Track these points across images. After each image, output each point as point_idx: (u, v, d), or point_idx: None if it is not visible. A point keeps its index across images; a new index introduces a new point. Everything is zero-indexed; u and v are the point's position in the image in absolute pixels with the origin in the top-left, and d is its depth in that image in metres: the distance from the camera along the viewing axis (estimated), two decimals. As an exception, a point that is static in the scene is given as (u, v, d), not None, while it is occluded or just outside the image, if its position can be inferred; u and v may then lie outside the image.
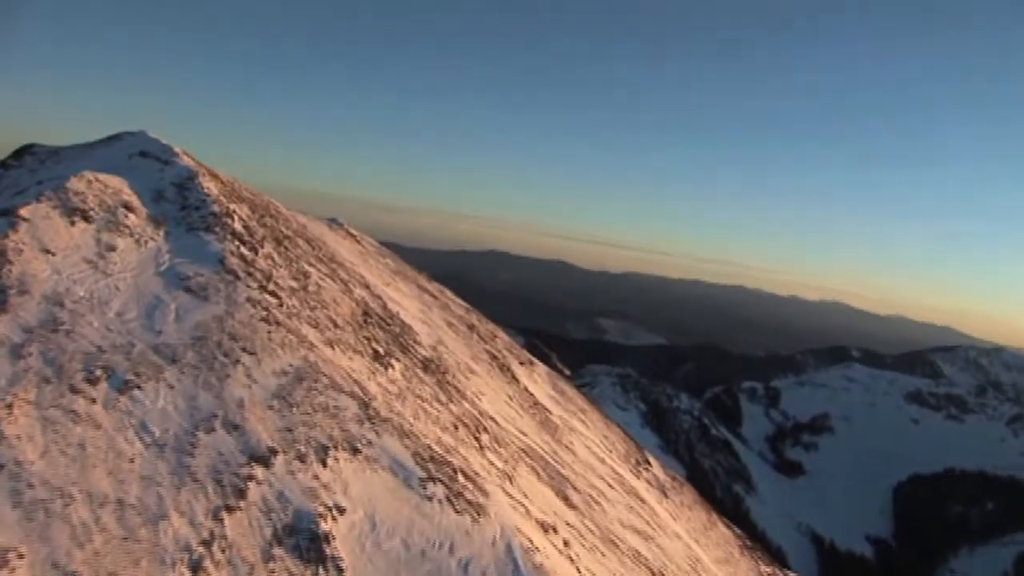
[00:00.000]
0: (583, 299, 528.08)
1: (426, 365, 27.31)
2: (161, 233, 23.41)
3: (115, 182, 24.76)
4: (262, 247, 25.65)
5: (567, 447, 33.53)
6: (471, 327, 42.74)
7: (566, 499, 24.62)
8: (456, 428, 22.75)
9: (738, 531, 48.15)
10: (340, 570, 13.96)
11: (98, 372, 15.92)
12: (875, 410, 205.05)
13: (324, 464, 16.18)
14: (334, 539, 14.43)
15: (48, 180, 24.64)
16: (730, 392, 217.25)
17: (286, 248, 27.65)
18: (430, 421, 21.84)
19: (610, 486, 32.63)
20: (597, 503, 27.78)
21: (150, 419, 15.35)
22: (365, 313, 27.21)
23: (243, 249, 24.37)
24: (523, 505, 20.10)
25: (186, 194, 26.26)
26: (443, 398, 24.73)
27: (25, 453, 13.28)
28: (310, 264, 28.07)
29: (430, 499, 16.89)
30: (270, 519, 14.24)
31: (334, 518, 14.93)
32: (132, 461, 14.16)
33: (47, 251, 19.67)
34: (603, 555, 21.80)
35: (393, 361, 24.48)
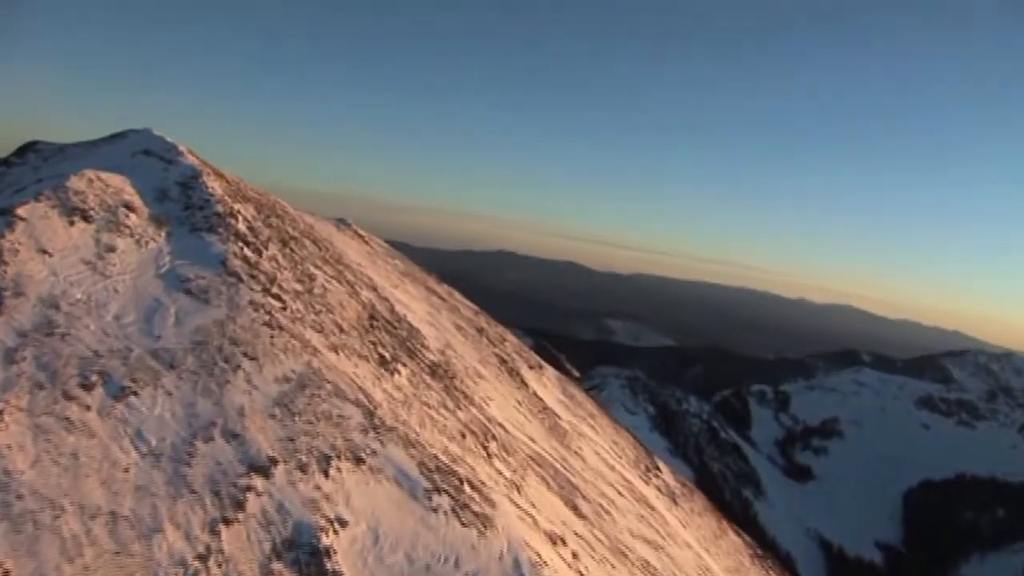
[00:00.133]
0: (591, 300, 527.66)
1: (433, 370, 26.78)
2: (163, 234, 22.91)
3: (117, 181, 24.29)
4: (266, 248, 25.14)
5: (576, 453, 33.00)
6: (480, 330, 42.24)
7: (575, 508, 24.11)
8: (463, 436, 22.21)
9: (748, 539, 47.61)
10: (341, 586, 13.48)
11: (94, 378, 15.42)
12: (885, 415, 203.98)
13: (326, 475, 15.62)
14: (335, 553, 13.90)
15: (49, 178, 24.18)
16: (739, 395, 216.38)
17: (292, 249, 27.15)
18: (436, 429, 21.30)
19: (620, 494, 32.11)
20: (607, 512, 27.26)
21: (146, 427, 14.84)
22: (372, 317, 26.70)
23: (247, 251, 23.86)
24: (531, 516, 19.57)
25: (189, 193, 25.79)
26: (450, 405, 24.20)
27: (15, 463, 12.80)
28: (316, 266, 27.55)
29: (435, 511, 16.33)
30: (269, 532, 13.71)
31: (335, 531, 14.37)
32: (127, 471, 13.65)
33: (44, 252, 19.19)
34: (612, 567, 21.29)
35: (399, 366, 23.94)
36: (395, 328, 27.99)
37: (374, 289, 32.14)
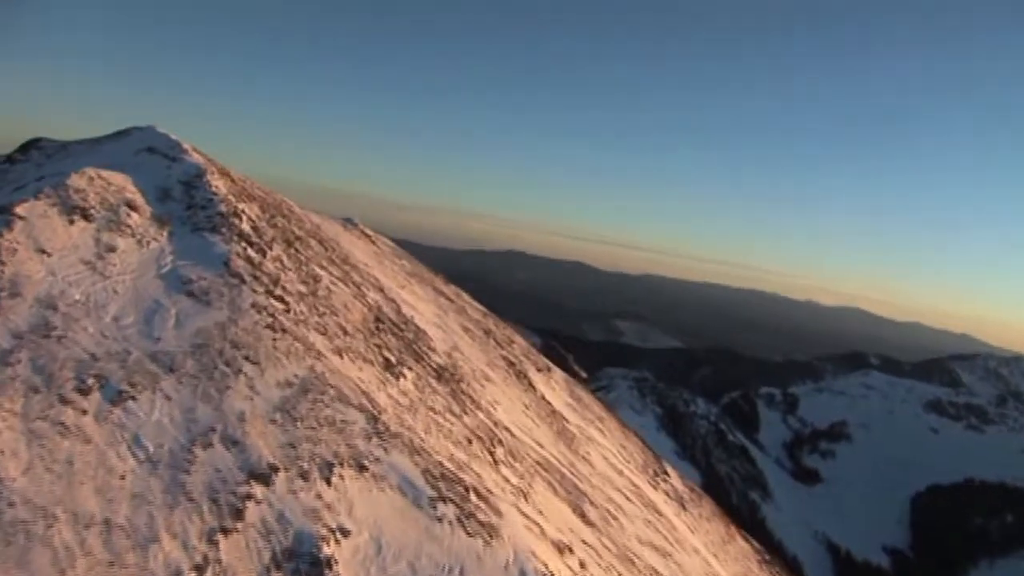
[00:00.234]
0: (600, 300, 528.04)
1: (440, 374, 26.37)
2: (165, 233, 22.48)
3: (118, 179, 23.88)
4: (271, 249, 24.73)
5: (584, 458, 32.64)
6: (488, 332, 41.89)
7: (583, 515, 23.71)
8: (470, 442, 21.79)
9: (757, 545, 47.27)
10: (342, 598, 13.09)
11: (90, 381, 14.98)
12: (894, 418, 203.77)
13: (328, 483, 15.18)
14: (336, 564, 13.47)
15: (50, 176, 23.81)
16: (747, 397, 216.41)
17: (297, 250, 26.75)
18: (442, 435, 20.88)
19: (628, 499, 31.74)
20: (615, 518, 26.87)
21: (144, 433, 14.41)
22: (377, 319, 26.29)
23: (250, 251, 23.43)
24: (538, 525, 19.14)
25: (193, 192, 25.38)
26: (457, 409, 23.79)
27: (7, 469, 12.39)
28: (322, 267, 27.17)
29: (440, 520, 15.90)
30: (269, 542, 13.28)
31: (337, 541, 13.94)
32: (123, 478, 13.24)
33: (43, 251, 18.76)
34: (620, 575, 20.90)
35: (405, 370, 23.52)
36: (401, 330, 27.61)
37: (381, 290, 31.79)
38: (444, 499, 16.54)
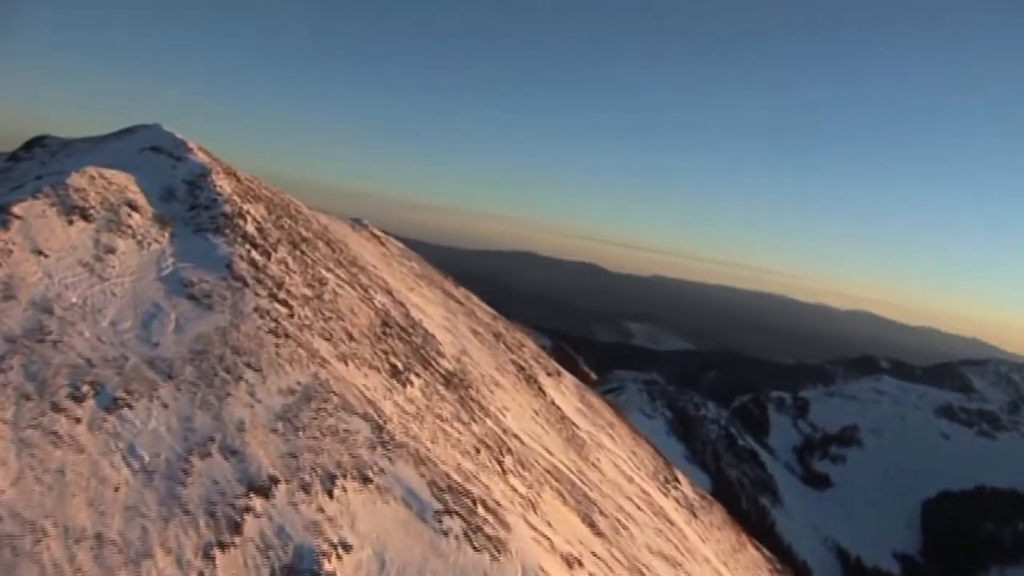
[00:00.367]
0: (610, 301, 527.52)
1: (448, 380, 25.84)
2: (166, 234, 21.98)
3: (120, 178, 23.41)
4: (276, 251, 24.22)
5: (594, 465, 32.12)
6: (497, 335, 41.39)
7: (592, 525, 23.14)
8: (478, 451, 21.22)
9: (768, 553, 46.69)
10: (343, 617, 12.58)
11: (85, 388, 14.45)
12: (905, 424, 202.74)
13: (330, 495, 14.64)
14: (338, 581, 13.00)
15: (49, 175, 23.34)
16: (758, 401, 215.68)
17: (303, 252, 26.25)
18: (449, 444, 20.30)
19: (638, 508, 31.21)
20: (625, 528, 26.33)
21: (140, 442, 13.88)
22: (385, 323, 25.77)
23: (254, 253, 22.92)
24: (547, 538, 18.59)
25: (197, 193, 24.90)
26: (465, 417, 23.23)
27: (-5, 480, 11.93)
28: (328, 269, 26.66)
29: (446, 534, 15.35)
30: (268, 557, 12.76)
31: (339, 556, 13.39)
32: (116, 490, 12.71)
33: (39, 252, 18.26)
34: (630, 588, 20.44)
35: (412, 376, 22.96)
36: (409, 335, 27.09)
37: (389, 293, 31.33)
38: (450, 512, 16.00)
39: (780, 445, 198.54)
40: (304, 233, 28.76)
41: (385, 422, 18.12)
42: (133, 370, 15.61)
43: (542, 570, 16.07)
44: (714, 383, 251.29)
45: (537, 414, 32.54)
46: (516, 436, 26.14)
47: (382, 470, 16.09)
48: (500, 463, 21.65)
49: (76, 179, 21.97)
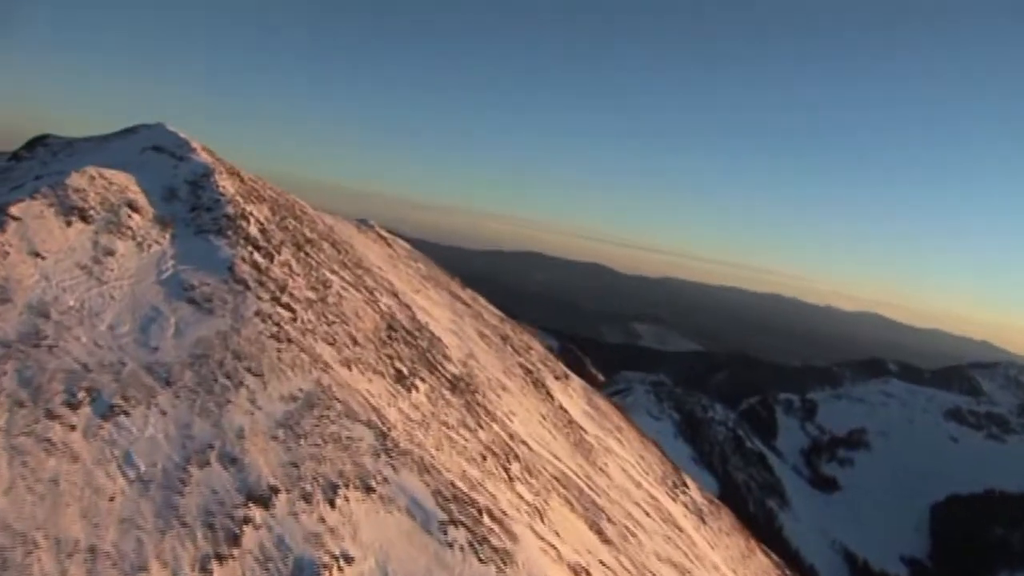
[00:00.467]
0: (618, 302, 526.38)
1: (454, 384, 25.39)
2: (167, 236, 21.60)
3: (121, 179, 23.02)
4: (279, 253, 23.80)
5: (602, 470, 31.69)
6: (505, 338, 40.96)
7: (600, 533, 22.73)
8: (484, 458, 20.79)
9: (776, 559, 46.22)
10: (343, 632, 12.21)
11: (80, 395, 14.10)
12: (913, 427, 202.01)
13: (332, 505, 14.27)
14: (338, 594, 12.64)
15: (49, 175, 22.97)
16: (765, 403, 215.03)
17: (307, 254, 25.83)
18: (455, 452, 19.87)
19: (647, 514, 30.78)
20: (633, 535, 25.91)
21: (136, 450, 13.52)
22: (390, 327, 25.33)
23: (257, 255, 22.51)
24: (554, 547, 18.19)
25: (199, 193, 24.51)
26: (471, 423, 22.78)
27: (-15, 490, 11.58)
28: (333, 271, 26.24)
29: (451, 546, 14.97)
30: (267, 570, 12.44)
31: (340, 568, 13.07)
32: (112, 500, 12.37)
33: (36, 254, 17.91)
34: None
35: (417, 382, 22.52)
36: (415, 338, 26.67)
37: (395, 295, 30.92)
38: (455, 522, 15.61)
39: (788, 447, 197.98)
40: (309, 234, 28.37)
41: (389, 429, 17.72)
42: (131, 376, 15.25)
43: (549, 582, 15.72)
44: (721, 385, 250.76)
45: (544, 418, 32.12)
46: (523, 442, 25.72)
47: (385, 479, 15.72)
48: (507, 470, 21.24)
49: (75, 179, 21.59)
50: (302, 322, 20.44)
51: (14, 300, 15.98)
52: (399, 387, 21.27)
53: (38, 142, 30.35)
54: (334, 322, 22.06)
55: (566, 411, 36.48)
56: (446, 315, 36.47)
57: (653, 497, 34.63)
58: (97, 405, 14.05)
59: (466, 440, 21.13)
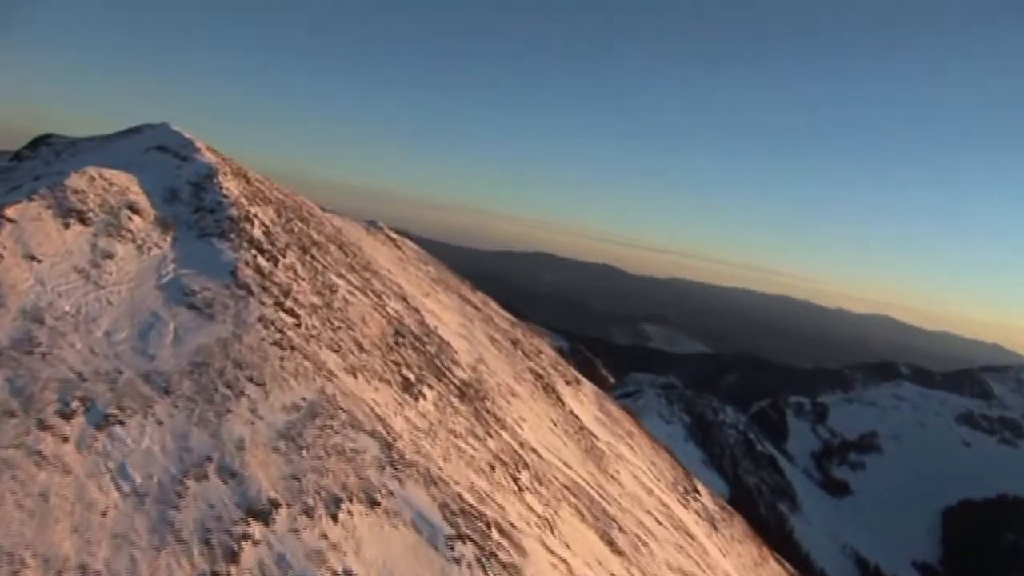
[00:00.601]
0: (628, 304, 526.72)
1: (463, 391, 24.86)
2: (168, 239, 21.09)
3: (122, 179, 22.53)
4: (284, 257, 23.28)
5: (613, 477, 31.18)
6: (515, 342, 40.49)
7: (611, 543, 22.19)
8: (493, 468, 20.21)
9: (790, 568, 45.72)
10: (345, 654, 11.69)
11: (74, 404, 13.55)
12: (925, 430, 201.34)
13: (335, 520, 13.70)
14: (340, 614, 12.13)
15: (48, 175, 22.53)
16: (776, 406, 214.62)
17: (313, 257, 25.33)
18: (463, 462, 19.30)
19: (658, 522, 30.28)
20: (644, 544, 25.39)
21: (131, 463, 12.97)
22: (398, 332, 24.81)
23: (260, 259, 21.98)
24: (565, 561, 17.65)
25: (202, 195, 24.02)
26: (480, 432, 22.22)
27: (-29, 506, 11.07)
28: (339, 275, 25.74)
29: (458, 562, 14.40)
30: (266, 588, 11.90)
31: (342, 586, 12.54)
32: (104, 515, 11.82)
33: (32, 258, 17.39)
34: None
35: (425, 389, 21.95)
36: (423, 344, 26.15)
37: (403, 299, 30.45)
38: (463, 537, 15.05)
39: (799, 451, 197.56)
40: (316, 237, 27.91)
41: (395, 440, 17.17)
42: (127, 384, 14.71)
43: (560, 599, 15.20)
44: (732, 387, 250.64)
45: (555, 425, 31.63)
46: (533, 449, 25.23)
47: (391, 492, 15.17)
48: (516, 480, 20.69)
49: (75, 180, 21.11)
50: (306, 328, 19.91)
51: (7, 305, 15.47)
52: (406, 395, 20.72)
53: (41, 141, 30.04)
54: (339, 328, 21.53)
55: (577, 417, 36.02)
56: (456, 319, 36.01)
57: (665, 504, 34.15)
58: (91, 415, 13.52)
59: (474, 449, 20.58)
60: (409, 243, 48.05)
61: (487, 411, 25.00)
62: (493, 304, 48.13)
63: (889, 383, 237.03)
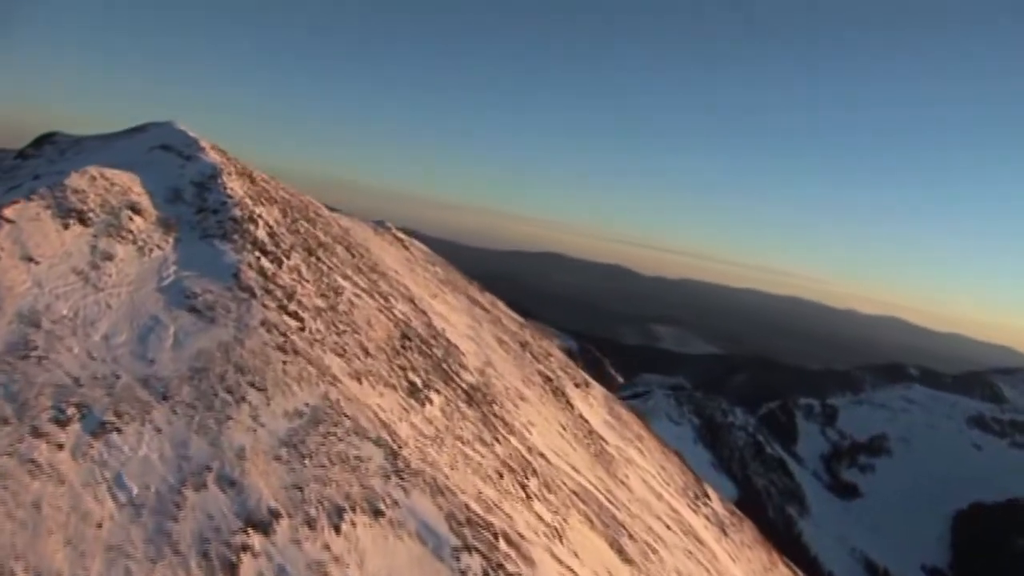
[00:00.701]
0: (638, 304, 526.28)
1: (471, 396, 24.44)
2: (170, 240, 20.72)
3: (124, 179, 22.17)
4: (288, 258, 22.88)
5: (622, 483, 30.79)
6: (524, 344, 40.10)
7: (621, 551, 21.78)
8: (500, 476, 19.79)
9: (801, 573, 45.31)
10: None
11: (70, 411, 13.17)
12: (935, 433, 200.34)
13: (338, 531, 13.30)
14: (342, 628, 11.75)
15: (49, 175, 22.19)
16: (786, 408, 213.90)
17: (318, 258, 24.95)
18: (470, 470, 18.89)
19: (668, 527, 29.89)
20: (654, 551, 24.99)
21: (128, 472, 12.60)
22: (404, 335, 24.40)
23: (264, 261, 21.59)
24: (573, 571, 17.26)
25: (205, 195, 23.66)
26: (487, 437, 21.80)
27: (-39, 516, 10.72)
28: (345, 276, 25.35)
29: (464, 574, 14.00)
30: (266, 602, 11.54)
31: (345, 600, 12.17)
32: (99, 526, 11.45)
33: (30, 259, 17.03)
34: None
35: (432, 394, 21.52)
36: (430, 347, 25.76)
37: (411, 300, 30.07)
38: (469, 548, 14.65)
39: (808, 453, 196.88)
40: (322, 238, 27.54)
41: (400, 447, 16.77)
42: (125, 390, 14.34)
43: (568, 612, 14.81)
44: (740, 387, 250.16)
45: (564, 429, 31.24)
46: (542, 454, 24.83)
47: (395, 502, 14.76)
48: (524, 488, 20.28)
49: (75, 180, 20.76)
50: (310, 332, 19.50)
51: (3, 308, 15.12)
52: (412, 400, 20.29)
53: (46, 140, 29.77)
54: (344, 331, 21.11)
55: (586, 420, 35.64)
56: (464, 321, 35.65)
57: (674, 509, 33.78)
58: (87, 422, 13.15)
59: (482, 456, 20.16)
60: (417, 243, 47.72)
61: (495, 415, 24.62)
62: (502, 305, 47.75)
63: (899, 385, 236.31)
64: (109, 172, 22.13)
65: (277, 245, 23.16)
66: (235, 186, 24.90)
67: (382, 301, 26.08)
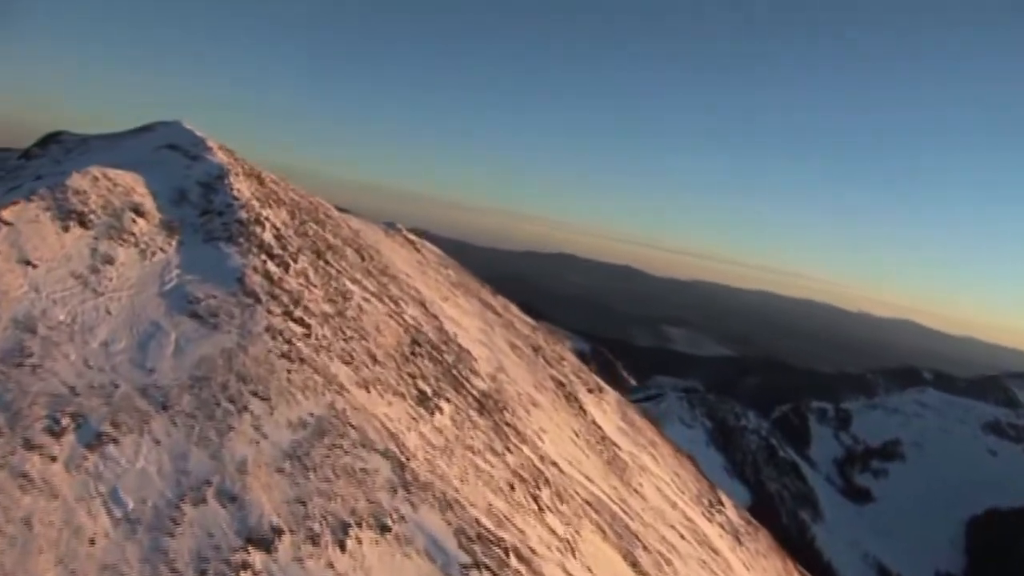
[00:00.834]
0: (650, 305, 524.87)
1: (482, 403, 23.87)
2: (173, 243, 20.20)
3: (127, 180, 21.66)
4: (295, 262, 22.33)
5: (636, 491, 30.23)
6: (536, 349, 39.54)
7: (634, 564, 21.24)
8: (512, 488, 19.22)
9: (816, 581, 44.76)
10: None
11: (65, 421, 12.69)
12: (949, 438, 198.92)
13: (342, 547, 12.80)
14: (346, 651, 11.24)
15: (51, 175, 21.69)
16: (799, 412, 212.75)
17: (327, 262, 24.42)
18: (481, 482, 18.31)
19: (682, 536, 29.35)
20: (668, 562, 24.45)
21: (124, 485, 12.12)
22: (414, 341, 23.84)
23: (270, 264, 21.05)
24: (587, 587, 16.73)
25: (211, 196, 23.14)
26: (499, 447, 21.21)
27: (-53, 533, 10.25)
28: (355, 280, 24.81)
29: (473, 593, 13.52)
30: (266, 624, 11.04)
31: (350, 621, 11.66)
32: (93, 544, 10.99)
33: (27, 262, 16.56)
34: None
35: (442, 403, 20.92)
36: (441, 353, 25.20)
37: (421, 304, 29.55)
38: (479, 565, 14.14)
39: (821, 457, 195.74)
40: (331, 240, 27.02)
41: (408, 459, 16.21)
42: (123, 399, 13.84)
43: (581, 633, 14.25)
44: (753, 390, 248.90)
45: (577, 436, 30.68)
46: (554, 463, 24.30)
47: (403, 517, 14.24)
48: (536, 499, 19.72)
49: (77, 180, 20.25)
50: (316, 338, 18.95)
51: (-1, 313, 14.66)
52: (421, 409, 19.70)
53: (52, 139, 29.31)
54: (352, 338, 20.54)
55: (599, 427, 35.08)
56: (475, 324, 35.11)
57: (689, 518, 33.22)
58: (83, 433, 12.66)
59: (493, 467, 19.57)
60: (428, 245, 47.23)
61: (507, 423, 24.07)
62: (514, 308, 47.22)
63: (912, 389, 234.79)
64: (112, 172, 21.62)
65: (284, 248, 22.63)
66: (242, 187, 24.40)
67: (392, 305, 25.55)
